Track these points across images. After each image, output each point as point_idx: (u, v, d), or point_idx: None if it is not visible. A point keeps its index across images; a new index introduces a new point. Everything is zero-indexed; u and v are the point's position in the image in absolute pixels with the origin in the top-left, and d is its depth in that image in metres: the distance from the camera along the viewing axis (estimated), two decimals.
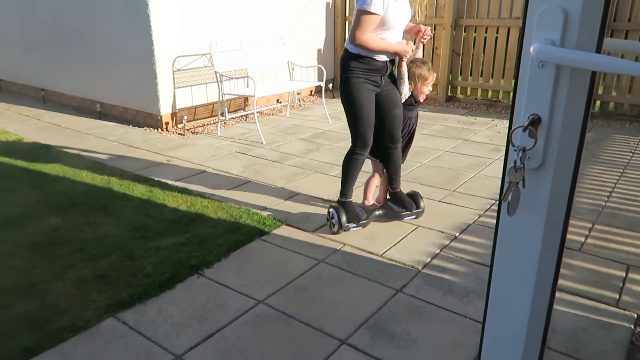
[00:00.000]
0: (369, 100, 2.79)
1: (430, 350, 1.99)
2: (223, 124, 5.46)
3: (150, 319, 2.18)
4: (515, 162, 0.68)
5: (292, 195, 3.53)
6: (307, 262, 2.63)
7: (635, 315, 2.18)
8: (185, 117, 5.22)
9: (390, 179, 3.08)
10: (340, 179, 3.02)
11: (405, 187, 3.25)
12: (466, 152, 4.55)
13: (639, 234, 2.94)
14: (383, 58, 2.77)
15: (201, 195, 3.52)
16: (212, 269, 2.58)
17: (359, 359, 1.94)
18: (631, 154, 4.50)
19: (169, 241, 2.85)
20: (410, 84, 2.93)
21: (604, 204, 3.39)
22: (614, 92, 5.76)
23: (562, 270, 2.49)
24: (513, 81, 0.85)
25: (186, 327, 2.12)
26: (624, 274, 2.51)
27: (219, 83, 5.08)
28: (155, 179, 3.85)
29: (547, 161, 0.68)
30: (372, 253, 2.73)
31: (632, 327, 2.11)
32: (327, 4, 7.20)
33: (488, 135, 5.17)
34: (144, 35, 4.98)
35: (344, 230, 2.92)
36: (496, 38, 6.26)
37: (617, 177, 3.89)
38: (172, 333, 2.08)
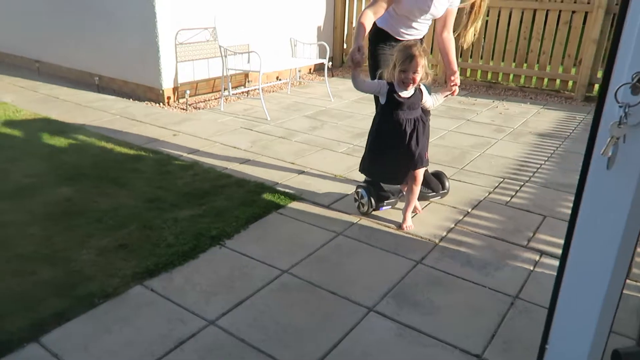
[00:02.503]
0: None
1: (454, 317, 2.05)
2: (225, 100, 5.42)
3: (178, 286, 2.20)
4: (620, 117, 0.72)
5: (302, 171, 3.55)
6: (325, 235, 2.67)
7: None
8: (188, 92, 5.18)
9: None
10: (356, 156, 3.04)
11: None
12: (470, 132, 4.61)
13: None
14: (398, 35, 2.78)
15: (212, 168, 3.52)
16: (233, 240, 2.61)
17: (387, 325, 2.00)
18: None
19: (185, 213, 2.86)
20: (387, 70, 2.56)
21: None
22: None
23: None
24: (610, 40, 0.85)
25: (214, 295, 2.15)
26: None
27: (223, 58, 5.03)
28: (164, 151, 3.83)
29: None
30: (388, 227, 2.79)
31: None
32: None
33: (490, 115, 5.23)
34: (146, 6, 4.88)
35: (375, 210, 2.92)
36: (497, 20, 6.29)
37: None
38: (201, 300, 2.11)
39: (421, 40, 2.89)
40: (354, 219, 2.86)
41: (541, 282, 2.31)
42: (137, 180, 3.30)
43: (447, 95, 2.72)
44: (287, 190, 3.20)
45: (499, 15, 6.27)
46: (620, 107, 0.72)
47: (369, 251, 2.54)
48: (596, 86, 6.00)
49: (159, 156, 3.74)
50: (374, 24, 2.78)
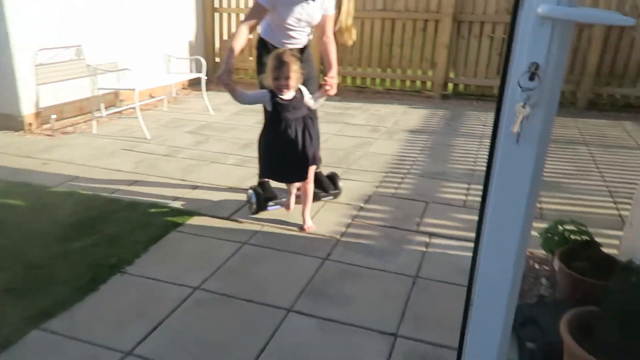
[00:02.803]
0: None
1: (366, 304, 2.20)
2: (98, 122, 5.07)
3: (83, 323, 2.05)
4: (524, 100, 0.88)
5: (195, 187, 3.49)
6: (231, 246, 2.67)
7: None
8: (54, 117, 4.76)
9: None
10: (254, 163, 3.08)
11: None
12: (350, 134, 4.89)
13: None
14: (277, 44, 2.91)
15: (96, 195, 3.30)
16: (134, 265, 2.49)
17: (307, 322, 2.07)
18: (483, 126, 5.25)
19: (75, 245, 2.65)
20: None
21: (474, 167, 3.95)
22: (463, 77, 6.61)
23: (454, 223, 2.88)
24: (506, 37, 1.01)
25: (126, 324, 2.04)
26: None
27: (93, 77, 4.72)
28: (35, 183, 3.49)
29: (540, 101, 0.89)
30: (291, 229, 2.87)
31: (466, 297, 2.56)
32: None
33: (364, 117, 5.60)
34: None
35: (262, 210, 3.00)
36: (361, 30, 6.74)
37: (478, 145, 4.55)
38: (113, 333, 1.99)
39: (302, 49, 3.01)
40: (256, 227, 2.89)
41: (434, 260, 2.56)
42: (10, 217, 2.98)
43: (325, 94, 2.81)
44: (182, 207, 3.12)
45: (362, 26, 6.73)
46: (522, 91, 0.89)
47: (277, 255, 2.59)
48: (450, 85, 6.73)
49: (29, 188, 3.40)
50: (259, 34, 2.87)
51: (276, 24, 2.87)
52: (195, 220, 2.96)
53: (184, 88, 6.97)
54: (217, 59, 7.57)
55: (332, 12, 2.93)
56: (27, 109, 4.72)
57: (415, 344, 1.95)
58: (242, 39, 2.74)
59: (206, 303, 2.20)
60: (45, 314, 2.09)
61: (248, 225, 2.91)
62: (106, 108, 5.32)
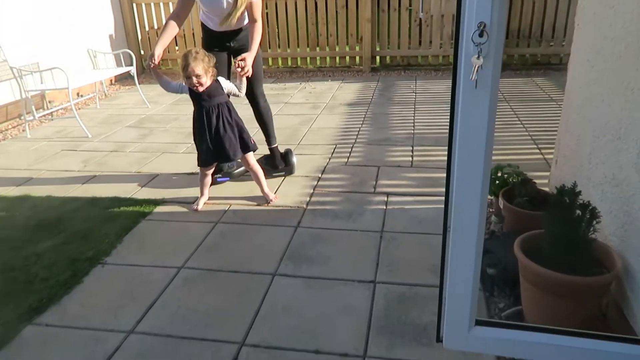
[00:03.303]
0: (219, 61, 3.00)
1: (343, 260, 2.41)
2: (29, 125, 4.86)
3: (76, 313, 2.10)
4: (478, 52, 1.09)
5: (152, 177, 3.52)
6: (204, 227, 2.78)
7: None
8: None
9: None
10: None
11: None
12: (292, 112, 5.05)
13: (444, 147, 3.84)
14: (214, 28, 3.05)
15: (51, 196, 3.25)
16: (112, 256, 2.53)
17: (293, 282, 2.25)
18: (414, 94, 5.60)
19: (46, 245, 2.64)
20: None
21: (413, 131, 4.26)
22: (388, 49, 6.93)
23: (406, 182, 3.16)
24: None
25: (121, 308, 2.12)
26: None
27: (19, 79, 4.51)
28: None
29: (489, 52, 1.11)
30: (258, 205, 3.01)
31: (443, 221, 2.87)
32: None
33: (302, 96, 5.76)
34: None
35: (214, 184, 3.18)
36: (285, 10, 6.85)
37: (413, 112, 4.87)
38: (109, 317, 2.06)
39: (241, 30, 3.10)
40: (224, 206, 3.01)
41: (395, 215, 2.82)
42: None
43: (240, 77, 2.91)
44: (146, 197, 3.16)
45: (286, 6, 6.84)
46: (475, 46, 1.10)
47: (251, 229, 2.74)
48: (377, 58, 7.04)
49: None
50: (201, 20, 2.99)
51: (205, 11, 2.98)
52: (162, 208, 3.02)
53: (112, 84, 6.76)
54: (142, 52, 7.38)
55: None
56: None
57: (393, 286, 2.19)
58: (169, 29, 2.94)
59: (194, 279, 2.31)
60: (35, 310, 2.11)
61: (216, 206, 3.02)
62: (27, 113, 5.09)
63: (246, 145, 2.95)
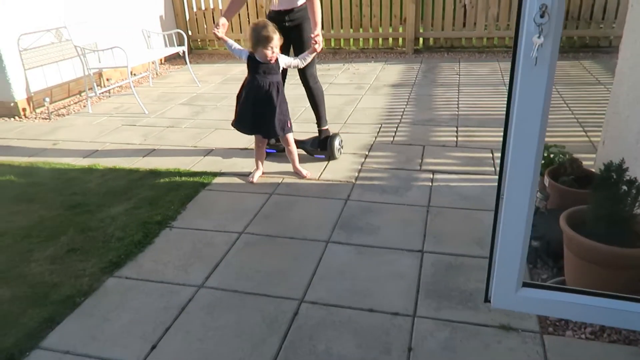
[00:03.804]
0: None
1: (392, 230, 2.56)
2: (91, 101, 5.17)
3: (151, 269, 2.34)
4: (539, 32, 1.21)
5: (208, 152, 3.74)
6: (260, 198, 2.97)
7: None
8: (48, 99, 4.84)
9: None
10: None
11: (302, 127, 3.74)
12: (337, 93, 5.17)
13: (488, 128, 3.92)
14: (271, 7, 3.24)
15: (118, 166, 3.51)
16: (178, 220, 2.76)
17: (346, 249, 2.42)
18: (458, 76, 5.63)
19: (118, 209, 2.90)
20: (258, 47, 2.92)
21: (457, 112, 4.33)
22: (431, 31, 6.93)
23: (451, 161, 3.26)
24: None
25: (190, 266, 2.34)
26: (491, 155, 3.41)
27: (82, 57, 4.80)
28: (54, 161, 3.66)
29: (549, 32, 1.22)
30: (309, 179, 3.18)
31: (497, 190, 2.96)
32: None
33: (346, 77, 5.88)
34: None
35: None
36: None
37: (456, 93, 4.92)
38: (180, 273, 2.29)
39: (298, 10, 3.25)
40: (277, 179, 3.20)
41: (440, 192, 2.94)
42: (43, 192, 3.17)
43: (313, 53, 3.10)
44: (204, 170, 3.38)
45: None
46: (537, 26, 1.21)
47: (304, 201, 2.92)
48: (420, 39, 7.05)
49: (51, 167, 3.57)
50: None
51: None
52: (220, 180, 3.23)
53: (161, 63, 7.04)
54: (190, 32, 7.62)
55: None
56: (19, 95, 4.79)
57: (439, 256, 2.33)
58: (235, 1, 3.19)
59: (254, 243, 2.51)
60: (115, 265, 2.36)
61: (270, 179, 3.21)
62: (89, 89, 5.40)
63: (282, 127, 3.09)
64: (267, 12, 3.34)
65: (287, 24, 3.27)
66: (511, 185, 1.43)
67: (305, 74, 3.37)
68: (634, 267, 1.88)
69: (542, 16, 1.20)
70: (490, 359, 1.74)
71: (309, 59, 3.16)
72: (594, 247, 1.82)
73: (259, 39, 2.88)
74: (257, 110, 3.03)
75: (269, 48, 2.89)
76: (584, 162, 2.87)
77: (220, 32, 3.01)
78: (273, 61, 2.96)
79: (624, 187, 1.86)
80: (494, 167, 3.22)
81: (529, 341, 1.79)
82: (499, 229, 1.51)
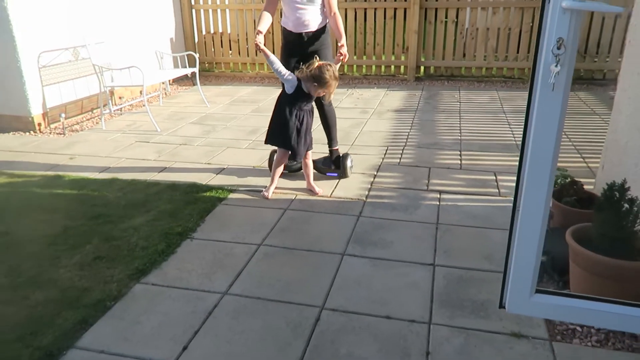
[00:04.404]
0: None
1: (404, 245, 2.69)
2: (107, 117, 5.31)
3: (176, 276, 2.44)
4: (557, 61, 1.37)
5: (222, 169, 3.87)
6: (276, 212, 3.10)
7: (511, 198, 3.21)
8: (64, 115, 4.98)
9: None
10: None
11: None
12: (343, 116, 5.35)
13: (490, 152, 4.09)
14: (293, 30, 3.39)
15: (135, 180, 3.63)
16: (198, 232, 2.88)
17: (362, 261, 2.54)
18: (459, 103, 5.85)
19: (139, 220, 3.01)
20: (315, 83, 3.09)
21: (460, 137, 4.51)
22: (433, 60, 7.19)
23: (457, 182, 3.41)
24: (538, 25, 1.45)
25: (213, 274, 2.45)
26: (494, 177, 3.57)
27: (99, 75, 4.97)
28: (73, 174, 3.78)
29: (564, 62, 1.38)
30: (322, 196, 3.32)
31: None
32: None
33: (350, 101, 6.08)
34: (3, 29, 4.58)
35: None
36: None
37: (458, 119, 5.12)
38: (205, 281, 2.40)
39: (321, 34, 3.43)
40: (291, 195, 3.33)
41: (448, 210, 3.08)
42: (65, 203, 3.28)
43: (339, 61, 3.29)
44: (220, 185, 3.51)
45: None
46: (554, 56, 1.37)
47: (318, 216, 3.05)
48: (422, 68, 7.31)
49: (70, 179, 3.69)
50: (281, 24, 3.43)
51: (284, 4, 3.32)
52: (235, 195, 3.36)
53: (170, 84, 7.22)
54: (198, 55, 7.83)
55: None
56: (35, 110, 4.92)
57: (451, 269, 2.46)
58: (265, 18, 3.35)
59: (273, 255, 2.63)
60: (141, 272, 2.46)
61: (283, 195, 3.34)
62: (105, 106, 5.55)
63: (308, 147, 3.33)
64: (288, 38, 3.46)
65: (309, 49, 3.40)
66: (527, 198, 1.58)
67: (321, 97, 3.54)
68: (636, 279, 2.01)
69: (559, 48, 1.37)
70: None
71: (336, 68, 3.28)
72: (600, 260, 1.96)
73: (321, 80, 3.04)
74: (295, 130, 3.20)
75: (324, 91, 3.13)
76: (585, 186, 3.04)
77: (261, 41, 3.16)
78: (316, 96, 3.20)
79: (626, 205, 2.01)
80: (498, 188, 3.38)
81: (539, 347, 1.91)
82: (515, 239, 1.64)
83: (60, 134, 4.91)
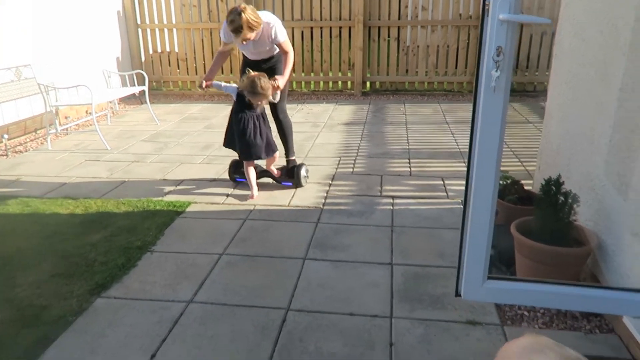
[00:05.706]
0: None
1: (362, 247, 2.81)
2: (53, 137, 5.15)
3: (138, 288, 2.43)
4: (497, 67, 1.54)
5: (178, 183, 3.87)
6: (235, 223, 3.14)
7: (460, 200, 3.41)
8: (6, 136, 4.79)
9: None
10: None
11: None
12: (296, 130, 5.41)
13: (437, 159, 4.32)
14: (250, 58, 3.62)
15: (89, 197, 3.56)
16: (158, 245, 2.87)
17: (323, 264, 2.63)
18: (404, 115, 6.11)
19: (96, 237, 2.96)
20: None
21: (407, 147, 4.73)
22: (377, 75, 7.48)
23: (408, 188, 3.60)
24: (478, 36, 1.63)
25: (177, 284, 2.46)
26: (442, 182, 3.78)
27: (45, 95, 4.83)
28: (19, 195, 3.65)
29: (504, 67, 1.55)
30: (280, 205, 3.40)
31: (461, 205, 3.32)
32: (118, 12, 7.22)
33: (301, 116, 6.21)
34: None
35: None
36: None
37: (405, 130, 5.36)
38: (168, 291, 2.40)
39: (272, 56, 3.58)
40: (250, 207, 3.38)
41: (402, 214, 3.23)
42: (14, 223, 3.17)
43: (274, 90, 3.47)
44: (177, 199, 3.51)
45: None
46: (494, 62, 1.54)
47: (277, 224, 3.11)
48: (367, 83, 7.58)
49: (16, 200, 3.56)
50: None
51: (242, 49, 3.54)
52: (193, 207, 3.38)
53: (118, 103, 7.08)
54: (145, 74, 7.74)
55: (282, 39, 3.46)
56: None
57: (408, 267, 2.60)
58: (218, 60, 3.80)
59: (236, 263, 2.67)
60: (102, 286, 2.44)
61: (242, 206, 3.39)
62: (50, 125, 5.39)
63: (271, 149, 3.56)
64: (247, 59, 3.62)
65: (263, 67, 3.54)
66: (477, 191, 1.73)
67: (276, 109, 3.66)
68: (573, 264, 2.22)
69: (498, 55, 1.54)
70: (461, 348, 1.99)
71: (277, 97, 3.47)
72: (540, 247, 2.15)
73: (255, 92, 3.33)
74: (247, 139, 3.45)
75: (260, 101, 3.41)
76: (524, 186, 3.28)
77: (205, 84, 3.62)
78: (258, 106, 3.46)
79: (562, 198, 2.22)
80: (446, 192, 3.58)
81: (493, 332, 2.07)
82: (467, 231, 1.79)
83: (3, 155, 4.72)
